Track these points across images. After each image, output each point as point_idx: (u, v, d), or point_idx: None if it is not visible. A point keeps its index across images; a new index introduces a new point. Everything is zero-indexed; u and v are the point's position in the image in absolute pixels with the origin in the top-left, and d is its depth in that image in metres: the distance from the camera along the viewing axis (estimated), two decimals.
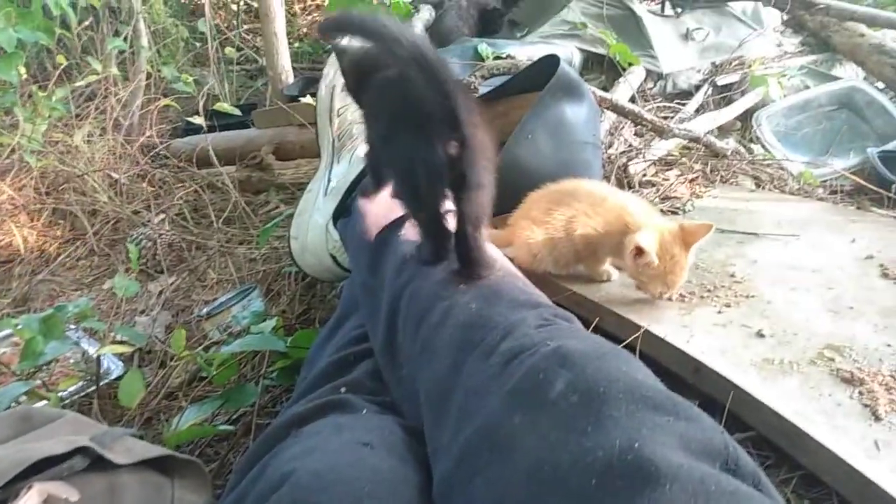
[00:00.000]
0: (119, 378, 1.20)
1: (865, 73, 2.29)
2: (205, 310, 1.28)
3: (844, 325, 0.98)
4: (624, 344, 0.99)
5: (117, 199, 1.71)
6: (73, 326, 1.25)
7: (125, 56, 2.46)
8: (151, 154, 2.06)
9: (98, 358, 0.96)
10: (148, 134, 2.04)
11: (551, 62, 1.41)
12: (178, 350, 0.91)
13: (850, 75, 2.32)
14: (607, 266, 1.16)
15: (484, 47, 1.79)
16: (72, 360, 1.26)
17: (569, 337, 0.57)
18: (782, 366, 0.90)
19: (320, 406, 0.66)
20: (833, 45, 2.40)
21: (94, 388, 1.02)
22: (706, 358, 0.92)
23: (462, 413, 0.56)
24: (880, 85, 2.18)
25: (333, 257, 1.11)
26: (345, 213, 1.08)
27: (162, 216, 1.72)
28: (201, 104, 1.80)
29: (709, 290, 1.11)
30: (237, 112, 1.58)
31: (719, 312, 1.04)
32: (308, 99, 1.64)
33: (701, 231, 1.01)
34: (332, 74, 1.22)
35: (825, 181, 1.75)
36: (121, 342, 1.11)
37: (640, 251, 0.99)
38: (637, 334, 0.99)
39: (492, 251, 0.83)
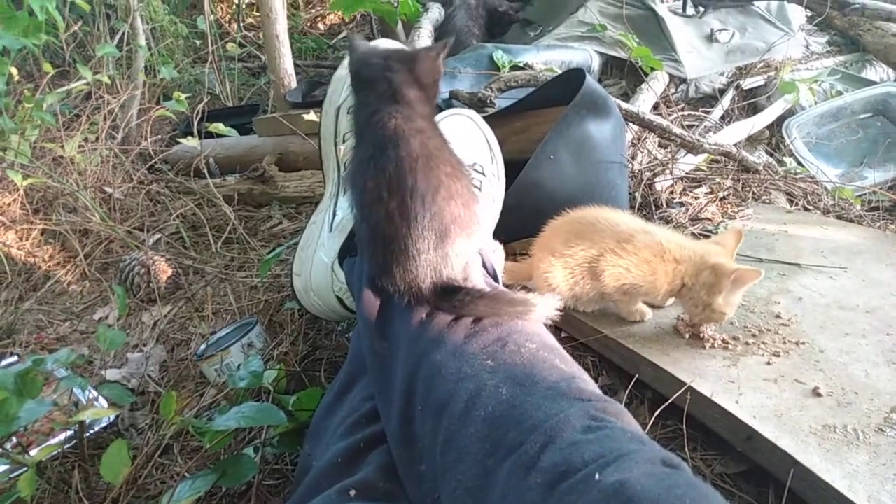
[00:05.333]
0: (108, 428, 1.10)
1: None
2: (201, 348, 1.18)
3: None
4: (667, 403, 0.90)
5: (110, 219, 1.61)
6: (63, 370, 1.15)
7: (121, 55, 2.35)
8: (148, 165, 1.95)
9: (83, 422, 0.86)
10: (144, 144, 1.92)
11: (575, 75, 1.30)
12: (167, 416, 0.82)
13: (882, 78, 2.20)
14: (640, 305, 1.06)
15: (500, 55, 1.67)
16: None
17: (629, 462, 0.47)
18: (846, 434, 0.80)
19: None
20: (863, 45, 2.28)
21: (77, 445, 0.92)
22: (759, 425, 0.82)
23: None
24: None
25: (340, 300, 1.00)
26: (352, 251, 0.97)
27: (157, 237, 1.62)
28: (195, 122, 1.68)
29: (754, 336, 1.00)
30: (233, 133, 1.47)
31: (768, 363, 0.94)
32: (312, 115, 1.53)
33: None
34: (339, 92, 1.10)
35: (862, 196, 1.64)
36: (105, 398, 1.01)
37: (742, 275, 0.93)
38: (680, 392, 0.89)
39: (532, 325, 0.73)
